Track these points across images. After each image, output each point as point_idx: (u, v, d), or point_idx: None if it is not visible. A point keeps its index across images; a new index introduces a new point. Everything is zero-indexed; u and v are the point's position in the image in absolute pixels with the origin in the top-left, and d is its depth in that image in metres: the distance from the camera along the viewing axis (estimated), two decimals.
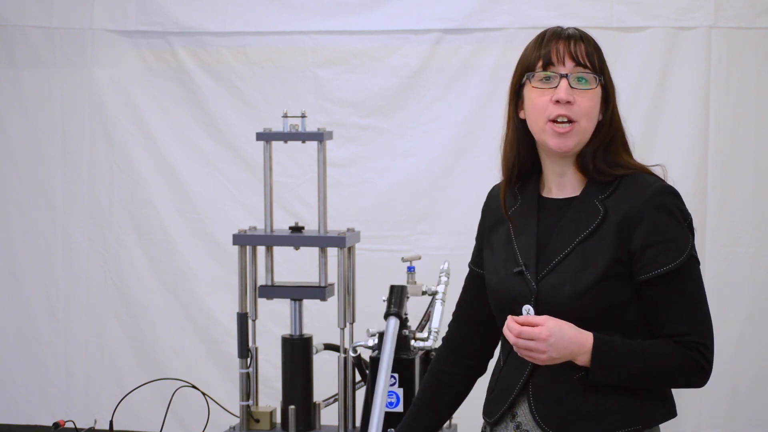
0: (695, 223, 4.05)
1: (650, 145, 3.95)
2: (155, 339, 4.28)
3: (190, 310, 4.26)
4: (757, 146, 3.93)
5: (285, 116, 2.88)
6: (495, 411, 2.10)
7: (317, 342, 2.88)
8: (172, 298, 4.27)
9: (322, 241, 2.83)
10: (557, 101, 1.98)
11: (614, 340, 1.94)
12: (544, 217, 2.07)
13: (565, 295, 1.96)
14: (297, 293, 2.85)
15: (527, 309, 2.00)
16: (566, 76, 1.99)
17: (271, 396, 3.21)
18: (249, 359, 2.85)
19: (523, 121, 2.08)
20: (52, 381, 4.37)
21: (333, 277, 2.84)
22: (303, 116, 2.88)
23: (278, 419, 2.89)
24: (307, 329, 2.89)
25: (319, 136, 2.85)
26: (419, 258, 2.89)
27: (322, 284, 2.86)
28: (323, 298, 2.85)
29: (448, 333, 2.30)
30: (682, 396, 4.14)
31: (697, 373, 1.99)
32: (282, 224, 3.04)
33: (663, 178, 2.05)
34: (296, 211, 4.08)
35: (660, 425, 2.07)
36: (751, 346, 3.96)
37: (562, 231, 2.02)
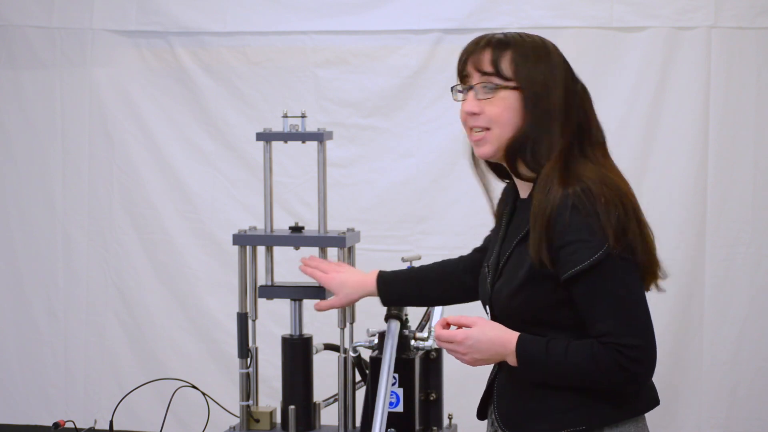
0: (696, 225, 4.06)
1: (650, 145, 3.95)
2: (155, 339, 4.28)
3: (190, 310, 4.26)
4: (757, 146, 3.93)
5: (285, 116, 2.87)
6: (480, 408, 2.20)
7: (317, 342, 2.88)
8: (172, 298, 4.27)
9: (322, 241, 2.82)
10: (467, 113, 2.06)
11: (540, 340, 1.96)
12: (514, 217, 2.14)
13: (504, 297, 2.02)
14: (297, 293, 2.85)
15: (487, 310, 2.11)
16: (472, 87, 2.05)
17: (271, 396, 3.21)
18: (249, 359, 2.85)
19: None
20: (52, 381, 4.37)
21: None
22: (303, 116, 2.88)
23: (278, 419, 2.89)
24: (307, 329, 2.89)
25: (319, 136, 2.85)
26: (419, 258, 2.89)
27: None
28: (323, 298, 2.85)
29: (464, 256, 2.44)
30: (681, 396, 4.17)
31: (619, 374, 1.91)
32: (282, 224, 3.04)
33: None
34: (296, 211, 4.08)
35: (647, 425, 2.06)
36: (751, 346, 3.96)
37: (511, 233, 2.09)
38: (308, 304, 2.90)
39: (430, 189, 4.10)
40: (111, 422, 2.88)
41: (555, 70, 2.03)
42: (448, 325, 2.06)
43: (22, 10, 4.31)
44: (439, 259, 2.88)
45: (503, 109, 2.01)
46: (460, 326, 2.01)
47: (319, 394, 2.88)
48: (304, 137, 2.87)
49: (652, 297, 4.15)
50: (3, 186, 4.38)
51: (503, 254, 2.08)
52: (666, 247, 4.07)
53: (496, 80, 2.01)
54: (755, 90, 3.91)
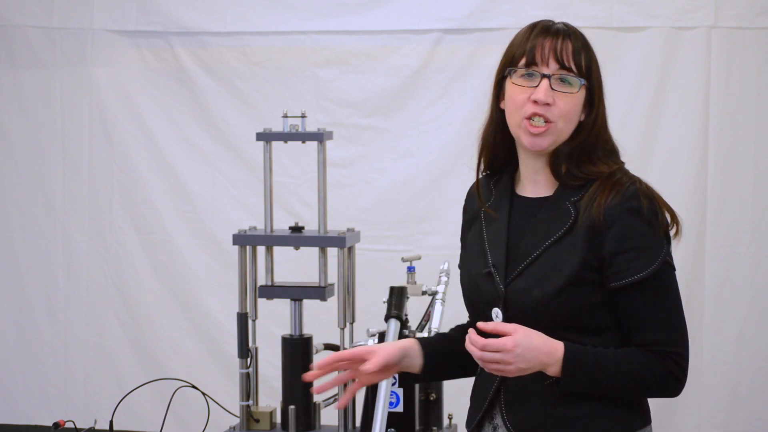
0: (696, 225, 4.06)
1: (650, 145, 3.95)
2: (155, 339, 4.28)
3: (190, 310, 4.26)
4: (757, 146, 3.93)
5: (285, 116, 2.88)
6: (471, 420, 2.08)
7: (317, 342, 2.88)
8: (172, 298, 4.27)
9: (322, 241, 2.83)
10: (535, 101, 1.94)
11: (586, 350, 1.89)
12: (516, 216, 2.03)
13: (534, 300, 1.91)
14: (297, 293, 2.85)
15: (496, 313, 1.96)
16: (548, 77, 1.97)
17: (271, 396, 3.21)
18: (249, 359, 2.85)
19: (503, 112, 2.04)
20: (52, 381, 4.37)
21: (333, 277, 2.84)
22: (303, 116, 2.89)
23: (278, 419, 2.89)
24: (307, 329, 2.89)
25: (319, 136, 2.85)
26: (419, 258, 2.89)
27: (322, 284, 2.86)
28: (323, 298, 2.85)
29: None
30: (682, 396, 4.14)
31: (671, 382, 1.91)
32: (282, 224, 3.05)
33: (641, 181, 1.98)
34: (296, 211, 4.08)
35: None
36: (751, 346, 3.96)
37: (533, 232, 1.97)
38: (308, 304, 2.91)
39: (430, 189, 4.10)
40: (111, 422, 2.88)
41: (600, 70, 2.06)
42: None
43: (22, 10, 4.31)
44: (439, 259, 2.88)
45: (574, 106, 1.96)
46: (496, 333, 1.87)
47: (318, 394, 2.88)
48: (304, 137, 2.87)
49: None
50: (3, 186, 4.38)
51: (522, 255, 1.96)
52: None
53: (574, 76, 1.97)
54: (755, 90, 3.91)
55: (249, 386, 2.85)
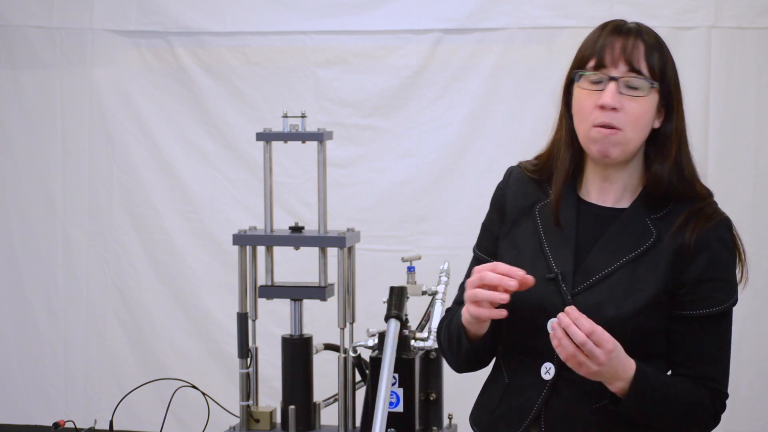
0: None
1: None
2: (155, 339, 4.28)
3: (190, 310, 4.26)
4: (757, 146, 3.93)
5: (285, 116, 2.88)
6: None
7: (317, 342, 2.88)
8: (172, 298, 4.27)
9: (322, 241, 2.82)
10: (602, 106, 1.84)
11: (653, 373, 1.82)
12: (585, 223, 1.91)
13: (608, 317, 1.80)
14: (297, 293, 2.85)
15: (551, 323, 1.80)
16: (616, 79, 1.86)
17: (271, 396, 3.21)
18: (249, 359, 2.85)
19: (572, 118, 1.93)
20: (52, 381, 4.37)
21: (333, 277, 2.84)
22: (303, 116, 2.88)
23: (278, 419, 2.89)
24: (307, 329, 2.89)
25: (319, 136, 2.85)
26: (419, 258, 2.89)
27: (322, 284, 2.86)
28: (323, 298, 2.85)
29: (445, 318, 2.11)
30: None
31: (711, 420, 1.88)
32: (282, 224, 3.04)
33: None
34: (296, 211, 4.08)
35: None
36: (751, 346, 3.96)
37: (607, 245, 1.87)
38: (308, 304, 2.91)
39: (430, 189, 4.10)
40: (111, 422, 2.88)
41: (677, 75, 1.96)
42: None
43: (22, 10, 4.31)
44: (439, 259, 2.88)
45: (645, 111, 1.84)
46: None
47: (319, 394, 2.88)
48: (304, 137, 2.87)
49: None
50: (3, 186, 4.38)
51: (593, 267, 1.87)
52: None
53: (644, 79, 1.86)
54: (755, 90, 3.91)
55: (249, 386, 2.85)
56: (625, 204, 1.91)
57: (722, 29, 3.89)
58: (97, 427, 2.95)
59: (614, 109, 1.82)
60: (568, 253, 1.88)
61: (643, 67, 1.87)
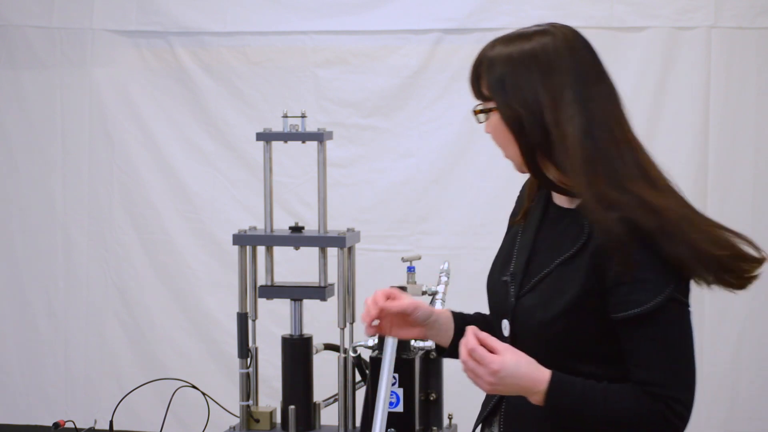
0: None
1: (650, 145, 3.92)
2: (155, 339, 4.28)
3: (190, 310, 4.26)
4: (757, 146, 3.93)
5: (285, 116, 2.88)
6: (477, 421, 2.01)
7: (317, 342, 2.88)
8: (172, 298, 4.27)
9: (322, 241, 2.83)
10: None
11: (575, 383, 1.76)
12: (546, 225, 1.92)
13: (536, 320, 1.82)
14: (297, 293, 2.85)
15: (505, 325, 1.87)
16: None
17: (271, 396, 3.21)
18: (249, 359, 2.85)
19: None
20: (52, 381, 4.37)
21: (333, 277, 2.84)
22: (303, 116, 2.89)
23: (278, 419, 2.89)
24: (307, 329, 2.89)
25: (319, 136, 2.85)
26: (419, 258, 2.89)
27: (322, 284, 2.86)
28: (323, 298, 2.85)
29: None
30: None
31: (663, 428, 1.76)
32: (282, 224, 3.04)
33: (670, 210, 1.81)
34: (296, 211, 4.08)
35: None
36: (751, 346, 3.96)
37: (550, 246, 1.87)
38: (308, 304, 2.91)
39: (430, 189, 4.10)
40: (111, 422, 2.88)
41: (543, 78, 1.80)
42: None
43: (22, 10, 4.31)
44: (439, 259, 2.88)
45: (494, 128, 1.85)
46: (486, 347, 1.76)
47: (319, 394, 2.88)
48: (304, 137, 2.87)
49: None
50: (3, 186, 4.38)
51: (537, 268, 1.87)
52: None
53: (482, 105, 1.86)
54: (755, 90, 3.91)
55: (249, 386, 2.85)
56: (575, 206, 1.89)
57: (722, 29, 3.89)
58: (97, 427, 2.95)
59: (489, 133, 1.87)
60: (524, 256, 1.91)
61: (475, 93, 1.87)
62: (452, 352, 2.00)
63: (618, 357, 1.79)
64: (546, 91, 1.79)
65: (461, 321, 2.02)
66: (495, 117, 1.83)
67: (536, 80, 1.79)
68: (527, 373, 1.75)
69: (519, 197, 2.06)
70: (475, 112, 1.87)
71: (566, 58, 1.85)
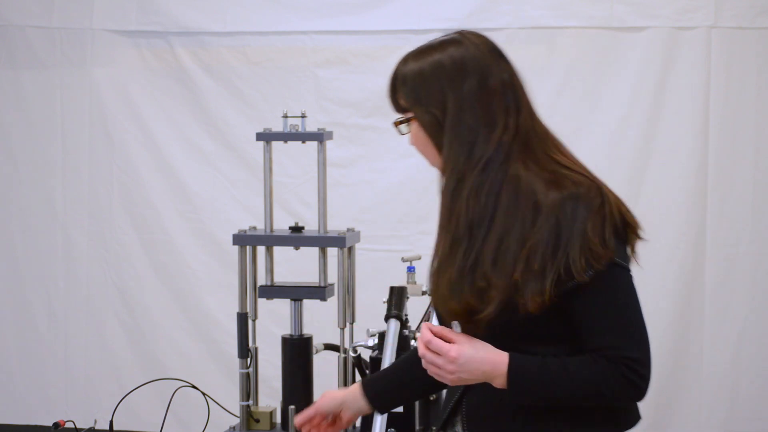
0: (696, 225, 4.06)
1: (650, 145, 3.95)
2: (155, 339, 4.28)
3: (190, 310, 4.26)
4: (757, 146, 3.93)
5: (285, 116, 2.88)
6: (436, 425, 2.05)
7: (317, 342, 2.88)
8: (172, 298, 4.27)
9: (322, 241, 2.82)
10: None
11: (533, 361, 1.81)
12: None
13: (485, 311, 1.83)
14: (297, 293, 2.85)
15: (455, 325, 1.85)
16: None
17: (271, 396, 3.21)
18: (249, 359, 2.85)
19: None
20: (52, 381, 4.37)
21: (333, 277, 2.84)
22: (303, 116, 2.88)
23: (278, 419, 2.89)
24: (307, 329, 2.89)
25: (319, 136, 2.85)
26: (419, 258, 2.89)
27: (322, 284, 2.86)
28: (323, 298, 2.85)
29: None
30: (681, 396, 4.16)
31: (628, 389, 1.80)
32: (282, 224, 3.04)
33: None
34: (296, 211, 4.08)
35: None
36: (751, 346, 3.96)
37: None
38: (308, 304, 2.91)
39: (430, 189, 4.06)
40: (111, 422, 2.88)
41: (455, 82, 1.88)
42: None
43: (22, 10, 4.31)
44: None
45: (416, 141, 1.98)
46: (443, 339, 1.82)
47: (318, 394, 2.87)
48: (304, 137, 2.87)
49: (652, 296, 4.13)
50: (3, 186, 4.38)
51: None
52: (666, 247, 4.09)
53: (401, 116, 1.98)
54: (755, 90, 3.91)
55: (249, 386, 2.85)
56: None
57: (722, 29, 3.89)
58: (97, 427, 2.95)
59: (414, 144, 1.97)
60: None
61: (394, 107, 2.00)
62: (383, 413, 2.17)
63: (568, 336, 1.83)
64: (455, 96, 1.88)
65: (372, 388, 2.12)
66: (415, 126, 1.95)
67: (446, 86, 1.89)
68: (486, 356, 1.81)
69: None
70: (396, 124, 1.98)
71: (473, 63, 1.90)
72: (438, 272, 1.87)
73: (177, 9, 4.21)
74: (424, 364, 1.84)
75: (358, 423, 2.76)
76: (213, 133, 4.23)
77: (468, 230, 1.84)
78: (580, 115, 3.98)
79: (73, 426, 2.90)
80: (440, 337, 1.81)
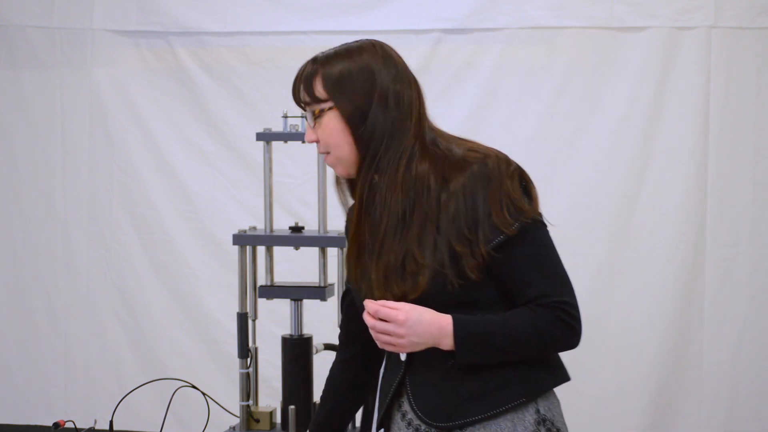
0: (696, 225, 4.06)
1: (650, 145, 3.95)
2: (155, 339, 4.28)
3: (190, 310, 4.26)
4: (757, 146, 3.93)
5: (285, 116, 2.88)
6: (379, 411, 2.10)
7: (317, 342, 2.88)
8: (172, 298, 4.27)
9: (322, 241, 2.82)
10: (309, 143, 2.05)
11: (474, 318, 1.91)
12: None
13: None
14: (297, 293, 2.85)
15: None
16: (305, 117, 2.05)
17: (271, 396, 3.21)
18: (249, 359, 2.85)
19: None
20: (52, 381, 4.37)
21: (333, 277, 2.84)
22: (303, 116, 2.88)
23: (278, 419, 2.89)
24: (307, 329, 2.89)
25: None
26: None
27: (322, 284, 2.86)
28: (323, 298, 2.85)
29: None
30: (681, 396, 4.16)
31: (566, 331, 1.91)
32: (282, 224, 3.04)
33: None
34: (296, 211, 4.08)
35: (555, 390, 2.02)
36: (751, 346, 3.96)
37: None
38: (308, 304, 2.91)
39: None
40: (111, 422, 2.88)
41: (374, 76, 1.98)
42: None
43: (22, 10, 4.31)
44: None
45: (332, 129, 1.98)
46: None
47: (318, 394, 2.87)
48: (304, 137, 2.87)
49: (652, 296, 4.13)
50: (3, 186, 4.38)
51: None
52: (666, 247, 4.09)
53: (315, 106, 2.01)
54: (755, 90, 3.91)
55: (249, 386, 2.85)
56: None
57: (722, 29, 3.89)
58: (97, 427, 2.95)
59: (317, 141, 2.01)
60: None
61: (306, 98, 2.03)
62: None
63: (499, 300, 1.93)
64: (369, 87, 1.98)
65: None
66: (330, 117, 1.98)
67: (370, 81, 1.98)
68: (431, 318, 1.90)
69: (348, 219, 2.16)
70: (315, 113, 2.00)
71: (383, 64, 2.01)
72: (374, 262, 1.96)
73: (177, 9, 4.21)
74: (374, 335, 1.92)
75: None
76: (213, 133, 4.23)
77: (396, 218, 1.94)
78: (580, 115, 3.98)
79: (73, 426, 2.90)
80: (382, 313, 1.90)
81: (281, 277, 2.99)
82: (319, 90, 2.01)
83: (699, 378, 3.96)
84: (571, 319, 1.91)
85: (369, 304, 1.91)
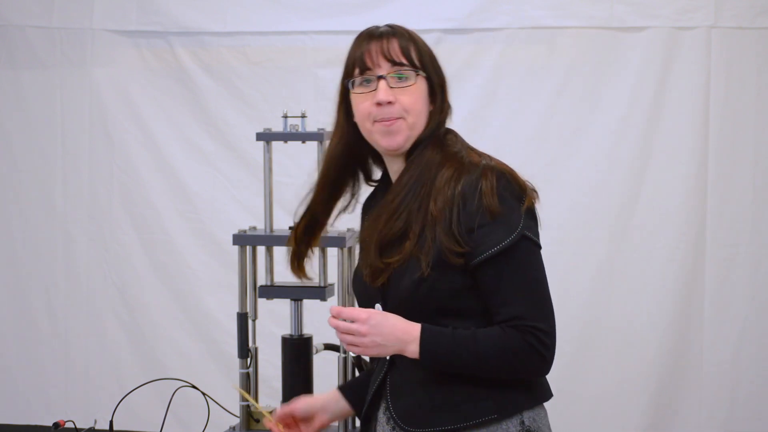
0: (696, 225, 4.06)
1: (650, 145, 3.95)
2: (155, 339, 4.28)
3: (190, 310, 4.26)
4: (757, 146, 3.94)
5: (285, 116, 2.88)
6: (365, 409, 2.13)
7: (317, 342, 2.88)
8: (172, 298, 4.27)
9: (322, 241, 2.82)
10: (378, 103, 2.00)
11: (444, 330, 1.91)
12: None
13: (404, 288, 1.95)
14: (297, 293, 2.85)
15: (377, 307, 2.00)
16: (384, 77, 2.01)
17: (271, 396, 3.21)
18: (249, 359, 2.85)
19: (356, 126, 2.10)
20: (52, 381, 4.37)
21: (333, 277, 2.84)
22: (303, 116, 2.88)
23: None
24: (307, 329, 2.89)
25: (319, 136, 2.85)
26: None
27: (322, 284, 2.85)
28: (323, 298, 2.85)
29: None
30: (681, 396, 4.15)
31: (534, 358, 1.89)
32: (282, 224, 3.04)
33: (490, 157, 2.03)
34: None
35: (543, 410, 2.01)
36: (751, 346, 3.96)
37: None
38: (308, 304, 2.91)
39: None
40: (111, 422, 2.88)
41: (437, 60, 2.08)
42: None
43: (22, 10, 4.31)
44: None
45: (417, 98, 2.03)
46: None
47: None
48: (304, 137, 2.87)
49: (652, 296, 4.13)
50: (3, 186, 4.38)
51: None
52: (666, 247, 4.09)
53: (408, 69, 2.02)
54: (755, 90, 3.91)
55: (249, 386, 2.85)
56: None
57: (722, 29, 3.89)
58: (97, 427, 2.95)
59: (390, 102, 2.00)
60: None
61: (404, 60, 2.03)
62: (361, 412, 2.19)
63: (479, 311, 1.93)
64: (439, 70, 2.12)
65: (351, 393, 2.24)
66: (420, 84, 2.04)
67: (434, 61, 2.10)
68: (398, 323, 1.91)
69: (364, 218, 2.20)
70: (402, 76, 2.02)
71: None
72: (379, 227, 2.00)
73: (177, 9, 4.21)
74: (339, 336, 1.94)
75: (358, 423, 2.77)
76: (213, 133, 4.23)
77: (407, 191, 2.00)
78: (580, 115, 3.98)
79: (73, 426, 2.90)
80: (352, 318, 1.93)
81: (281, 277, 2.98)
82: (415, 56, 2.04)
83: (699, 378, 3.96)
84: (542, 346, 1.89)
85: (333, 308, 1.94)
